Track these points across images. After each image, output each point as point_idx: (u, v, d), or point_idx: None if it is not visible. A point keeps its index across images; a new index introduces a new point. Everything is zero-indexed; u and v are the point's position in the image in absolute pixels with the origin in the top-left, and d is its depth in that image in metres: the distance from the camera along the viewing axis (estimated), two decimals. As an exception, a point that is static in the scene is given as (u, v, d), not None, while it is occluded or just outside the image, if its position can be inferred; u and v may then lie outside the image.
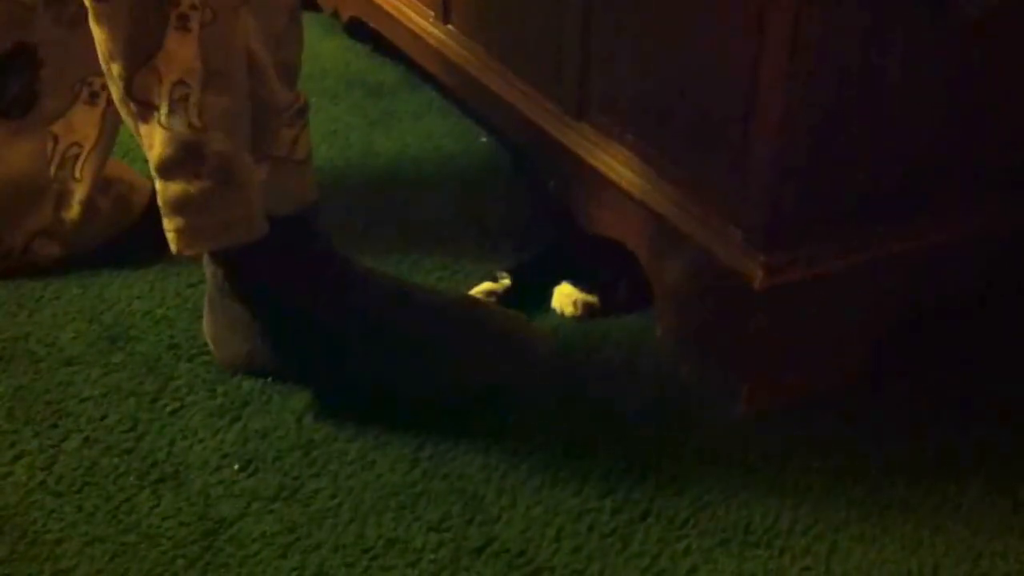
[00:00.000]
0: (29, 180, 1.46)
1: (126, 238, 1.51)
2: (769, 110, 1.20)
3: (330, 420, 1.28)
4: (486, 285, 1.44)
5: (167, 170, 1.20)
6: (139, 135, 1.22)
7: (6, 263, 1.48)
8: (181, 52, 1.17)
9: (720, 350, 1.31)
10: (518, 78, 1.56)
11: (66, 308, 1.43)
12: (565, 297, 1.43)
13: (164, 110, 1.19)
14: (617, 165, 1.40)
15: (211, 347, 1.35)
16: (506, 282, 1.44)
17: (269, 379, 1.33)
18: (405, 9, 1.77)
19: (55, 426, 1.27)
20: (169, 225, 1.22)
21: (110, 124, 1.50)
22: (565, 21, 1.44)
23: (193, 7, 1.17)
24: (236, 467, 1.23)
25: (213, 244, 1.23)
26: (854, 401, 1.31)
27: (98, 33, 1.19)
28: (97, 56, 1.46)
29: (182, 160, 1.20)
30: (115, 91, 1.22)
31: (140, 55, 1.18)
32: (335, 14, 1.91)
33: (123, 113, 1.22)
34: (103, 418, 1.28)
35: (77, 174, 1.48)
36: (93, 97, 1.48)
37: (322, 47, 1.90)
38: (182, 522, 1.17)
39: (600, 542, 1.16)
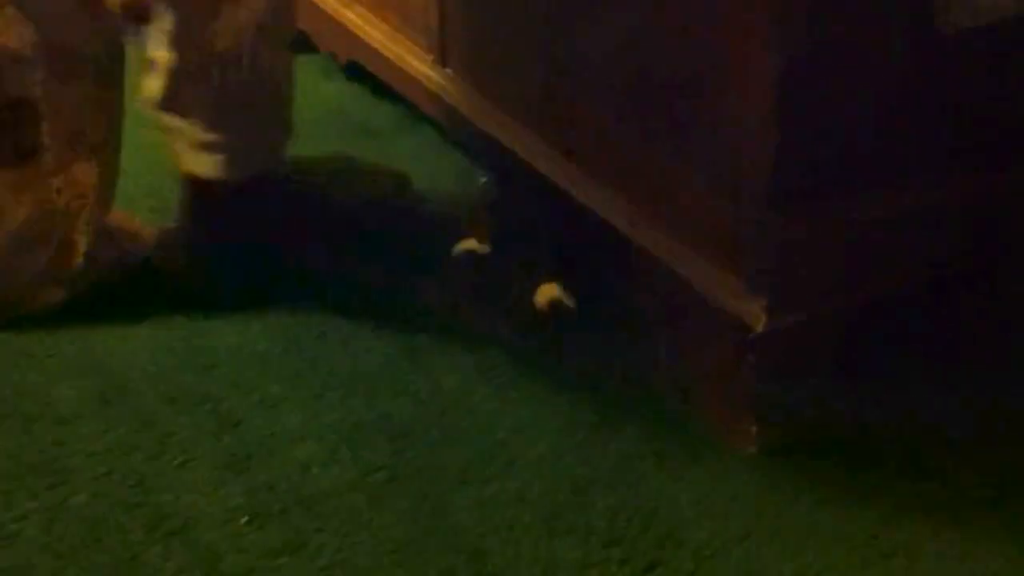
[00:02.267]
0: (33, 231, 1.47)
1: (123, 285, 1.53)
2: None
3: (333, 471, 1.29)
4: (467, 242, 1.56)
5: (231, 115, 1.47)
6: (187, 105, 1.46)
7: (8, 311, 1.48)
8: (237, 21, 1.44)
9: (725, 392, 1.32)
10: (514, 120, 1.57)
11: (61, 364, 1.43)
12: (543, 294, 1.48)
13: (235, 55, 1.44)
14: (610, 207, 1.41)
15: (187, 255, 1.53)
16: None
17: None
18: (403, 53, 1.77)
19: (60, 484, 1.28)
20: (225, 157, 1.49)
21: (110, 175, 1.51)
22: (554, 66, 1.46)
23: None
24: (243, 521, 1.24)
25: (263, 164, 1.52)
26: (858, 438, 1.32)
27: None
28: (104, 113, 1.49)
29: (244, 106, 1.47)
30: (169, 63, 1.42)
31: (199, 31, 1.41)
32: (333, 56, 1.92)
33: (172, 83, 1.43)
34: (107, 474, 1.29)
35: (81, 226, 1.49)
36: (93, 150, 1.49)
37: (320, 89, 1.90)
38: (190, 576, 1.18)
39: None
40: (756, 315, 1.26)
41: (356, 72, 1.91)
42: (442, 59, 1.70)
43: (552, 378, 1.40)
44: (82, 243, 1.49)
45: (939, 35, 1.25)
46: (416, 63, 1.75)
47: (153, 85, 1.47)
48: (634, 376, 1.40)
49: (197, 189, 1.52)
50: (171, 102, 1.48)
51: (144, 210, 1.61)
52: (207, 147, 1.49)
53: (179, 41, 1.45)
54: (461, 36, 1.67)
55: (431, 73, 1.72)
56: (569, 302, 1.46)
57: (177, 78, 1.46)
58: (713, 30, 1.26)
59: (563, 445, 1.32)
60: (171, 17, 1.44)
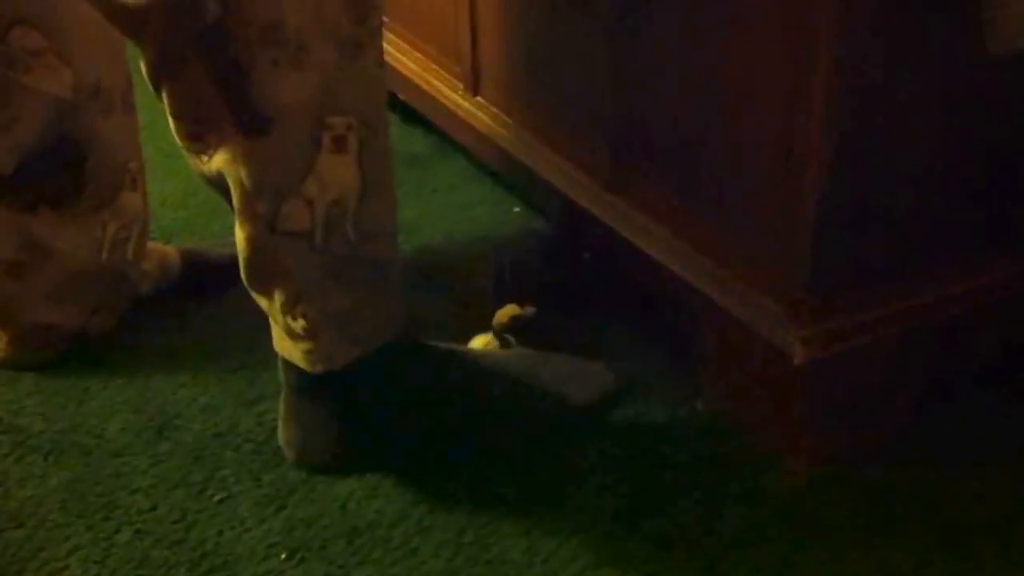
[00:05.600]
0: (82, 267, 1.50)
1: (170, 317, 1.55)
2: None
3: (374, 506, 1.31)
4: (511, 308, 1.46)
5: (319, 293, 1.24)
6: (276, 270, 1.24)
7: (60, 344, 1.51)
8: (338, 173, 1.20)
9: (762, 421, 1.33)
10: (550, 150, 1.58)
11: (113, 399, 1.46)
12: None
13: (320, 234, 1.22)
14: (654, 238, 1.42)
15: (291, 453, 1.35)
16: (532, 310, 1.46)
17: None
18: (434, 81, 1.79)
19: (107, 519, 1.30)
20: (310, 345, 1.26)
21: (148, 205, 1.55)
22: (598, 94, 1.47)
23: (349, 127, 1.20)
24: (283, 556, 1.26)
25: (363, 349, 1.28)
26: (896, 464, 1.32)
27: (242, 171, 1.20)
28: (134, 142, 1.50)
29: (338, 276, 1.24)
30: (250, 229, 1.22)
31: (290, 186, 1.20)
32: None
33: (259, 251, 1.23)
34: (153, 509, 1.31)
35: (129, 256, 1.53)
36: (134, 182, 1.52)
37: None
38: (233, 613, 1.21)
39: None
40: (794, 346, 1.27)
41: (389, 101, 1.93)
42: (474, 88, 1.72)
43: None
44: (132, 271, 1.53)
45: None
46: (448, 92, 1.76)
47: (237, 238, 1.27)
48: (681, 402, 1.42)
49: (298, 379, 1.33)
50: (258, 271, 1.27)
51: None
52: (292, 334, 1.29)
53: (271, 194, 1.22)
54: (493, 65, 1.68)
55: (463, 102, 1.74)
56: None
57: (266, 242, 1.24)
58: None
59: (607, 477, 1.33)
60: (259, 169, 1.21)
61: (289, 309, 1.26)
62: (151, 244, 1.59)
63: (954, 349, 1.35)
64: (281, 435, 1.36)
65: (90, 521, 1.30)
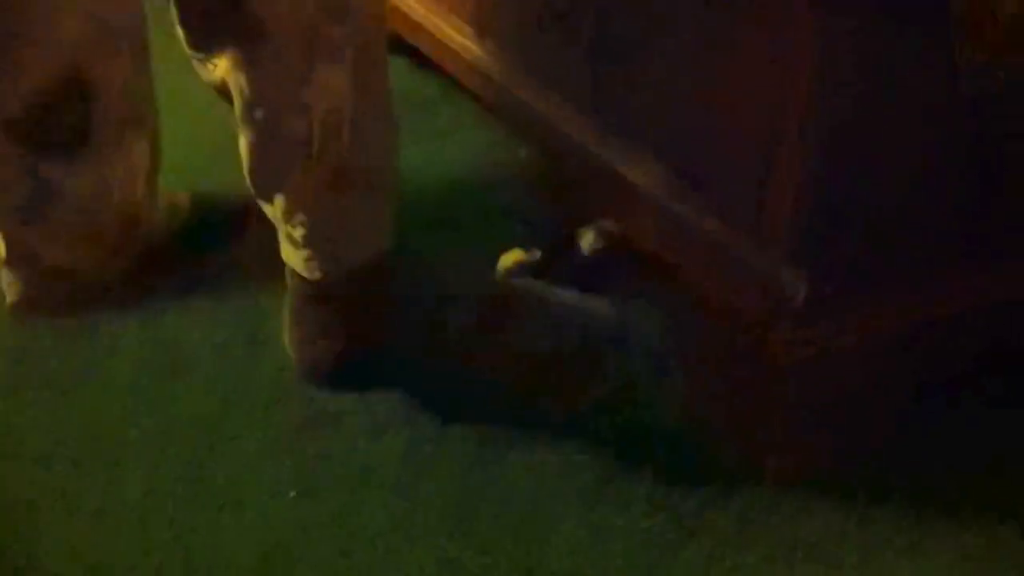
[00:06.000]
0: (93, 209, 1.51)
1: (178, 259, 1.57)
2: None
3: (383, 443, 1.33)
4: (516, 253, 1.48)
5: (317, 201, 1.28)
6: (278, 177, 1.28)
7: (76, 288, 1.52)
8: (333, 83, 1.24)
9: (745, 422, 1.32)
10: (552, 92, 1.59)
11: (126, 339, 1.47)
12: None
13: (316, 143, 1.26)
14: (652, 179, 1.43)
15: (295, 354, 1.39)
16: (537, 254, 1.49)
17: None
18: (442, 25, 1.79)
19: (119, 456, 1.32)
20: (308, 252, 1.30)
21: (157, 147, 1.55)
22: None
23: (345, 38, 1.24)
24: (293, 493, 1.27)
25: (360, 257, 1.31)
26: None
27: (242, 79, 1.24)
28: (144, 84, 1.51)
29: (334, 188, 1.28)
30: (254, 136, 1.26)
31: (287, 94, 1.24)
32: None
33: (261, 158, 1.27)
34: (165, 447, 1.33)
35: (139, 198, 1.54)
36: (141, 124, 1.53)
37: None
38: (242, 547, 1.22)
39: (649, 560, 1.20)
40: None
41: (396, 45, 1.93)
42: (480, 31, 1.72)
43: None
44: (141, 212, 1.54)
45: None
46: (455, 35, 1.76)
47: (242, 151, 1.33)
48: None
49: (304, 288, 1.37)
50: (258, 178, 1.32)
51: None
52: (293, 241, 1.34)
53: (269, 102, 1.28)
54: (499, 8, 1.69)
55: (471, 45, 1.74)
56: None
57: (265, 149, 1.30)
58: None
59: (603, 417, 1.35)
60: (257, 76, 1.27)
61: (288, 217, 1.30)
62: (162, 189, 1.60)
63: (941, 353, 1.33)
64: (286, 337, 1.39)
65: (103, 458, 1.32)
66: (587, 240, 1.47)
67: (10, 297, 1.51)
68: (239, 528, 1.24)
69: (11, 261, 1.50)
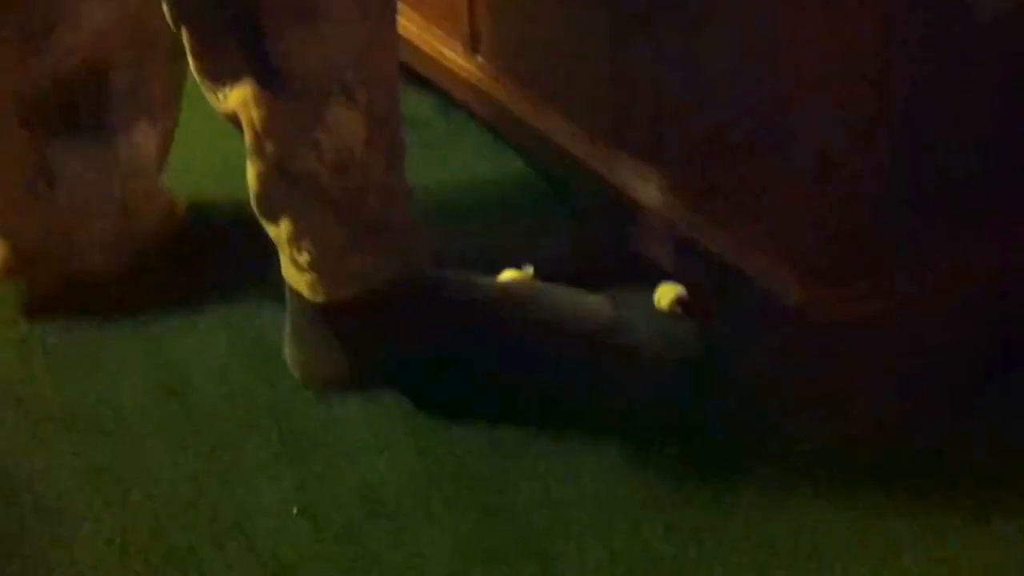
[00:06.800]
0: (97, 194, 1.52)
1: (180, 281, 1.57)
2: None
3: (385, 459, 1.31)
4: (509, 273, 1.47)
5: (325, 232, 1.29)
6: (284, 205, 1.28)
7: (75, 270, 1.54)
8: (347, 123, 1.26)
9: (783, 384, 1.31)
10: (550, 107, 1.58)
11: (124, 363, 1.46)
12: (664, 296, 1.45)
13: (326, 177, 1.26)
14: (660, 196, 1.42)
15: (298, 373, 1.38)
16: (530, 271, 1.47)
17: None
18: (433, 42, 1.79)
19: (119, 482, 1.31)
20: (313, 277, 1.31)
21: (168, 141, 1.57)
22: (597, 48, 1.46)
23: (361, 81, 1.25)
24: (296, 512, 1.26)
25: (366, 284, 1.31)
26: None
27: (255, 114, 1.25)
28: (165, 83, 1.51)
29: (343, 221, 1.29)
30: (262, 166, 1.27)
31: (300, 132, 1.25)
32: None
33: (266, 187, 1.28)
34: (164, 471, 1.32)
35: (139, 191, 1.55)
36: (152, 117, 1.54)
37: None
38: (246, 570, 1.21)
39: (656, 564, 1.19)
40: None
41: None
42: (473, 47, 1.72)
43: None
44: (140, 205, 1.54)
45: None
46: (447, 51, 1.76)
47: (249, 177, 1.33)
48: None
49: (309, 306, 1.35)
50: (264, 206, 1.32)
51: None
52: (297, 264, 1.33)
53: (280, 138, 1.27)
54: (491, 22, 1.68)
55: (463, 61, 1.73)
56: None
57: (273, 181, 1.29)
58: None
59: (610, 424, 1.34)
60: (271, 112, 1.26)
61: (294, 243, 1.30)
62: (164, 189, 1.61)
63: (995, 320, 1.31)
64: (287, 354, 1.38)
65: (103, 485, 1.31)
66: (666, 300, 1.45)
67: None
68: (242, 551, 1.23)
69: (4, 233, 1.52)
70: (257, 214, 1.33)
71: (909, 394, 1.28)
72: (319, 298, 1.32)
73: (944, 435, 1.28)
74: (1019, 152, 1.30)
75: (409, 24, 1.84)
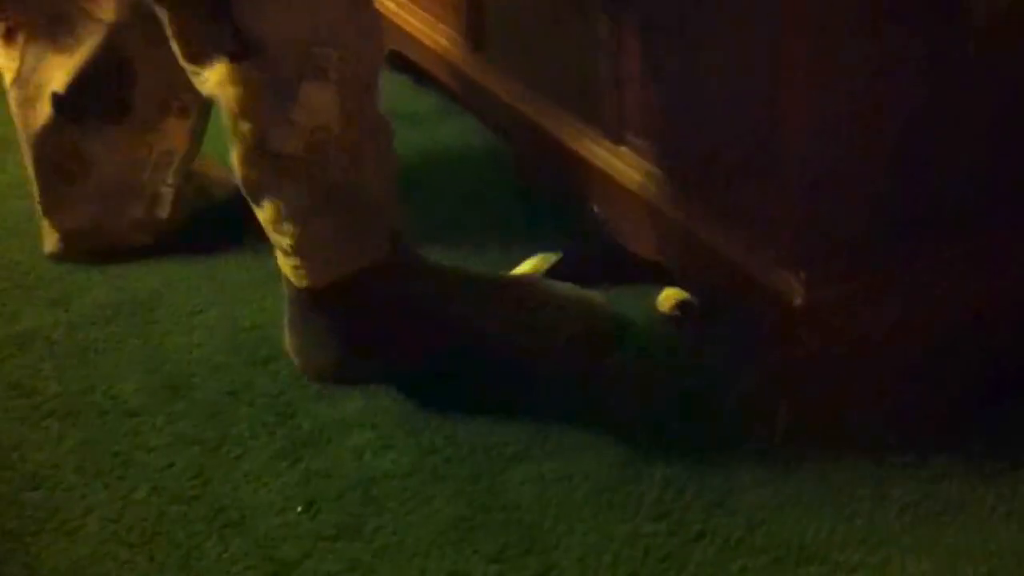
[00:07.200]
0: (126, 181, 1.59)
1: (208, 227, 1.63)
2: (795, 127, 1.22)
3: (388, 456, 1.32)
4: (536, 259, 1.50)
5: (304, 214, 1.29)
6: (265, 187, 1.29)
7: (108, 243, 1.61)
8: (321, 101, 1.25)
9: (760, 369, 1.32)
10: (552, 104, 1.58)
11: (127, 359, 1.47)
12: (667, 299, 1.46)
13: (304, 158, 1.27)
14: (652, 187, 1.42)
15: (296, 361, 1.38)
16: (554, 257, 1.49)
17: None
18: (438, 38, 1.79)
19: (122, 477, 1.31)
20: (297, 261, 1.31)
21: (198, 134, 1.62)
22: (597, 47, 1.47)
23: (335, 59, 1.25)
24: (299, 509, 1.26)
25: (347, 270, 1.31)
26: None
27: (230, 93, 1.26)
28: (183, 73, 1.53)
29: (321, 203, 1.28)
30: (242, 148, 1.28)
31: (274, 111, 1.25)
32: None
33: (247, 169, 1.29)
34: (168, 467, 1.32)
35: (169, 180, 1.61)
36: (183, 111, 1.59)
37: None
38: (249, 566, 1.21)
39: (656, 565, 1.19)
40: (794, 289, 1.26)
41: (399, 62, 1.93)
42: (476, 44, 1.72)
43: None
44: (168, 195, 1.60)
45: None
46: (451, 48, 1.76)
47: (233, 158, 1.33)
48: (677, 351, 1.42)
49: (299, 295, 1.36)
50: (246, 188, 1.32)
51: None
52: (282, 248, 1.33)
53: (255, 117, 1.27)
54: (495, 20, 1.68)
55: (466, 58, 1.73)
56: (694, 300, 1.45)
57: (252, 162, 1.29)
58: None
59: (611, 422, 1.34)
60: (245, 91, 1.27)
61: (276, 226, 1.31)
62: (213, 169, 1.65)
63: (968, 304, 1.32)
64: (286, 342, 1.39)
65: (106, 480, 1.31)
66: (667, 304, 1.46)
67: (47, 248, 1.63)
68: (245, 547, 1.23)
69: (47, 211, 1.60)
70: (246, 198, 1.33)
71: (901, 413, 1.29)
72: (303, 283, 1.32)
73: (941, 442, 1.28)
74: (1012, 176, 1.30)
75: (414, 21, 1.84)
